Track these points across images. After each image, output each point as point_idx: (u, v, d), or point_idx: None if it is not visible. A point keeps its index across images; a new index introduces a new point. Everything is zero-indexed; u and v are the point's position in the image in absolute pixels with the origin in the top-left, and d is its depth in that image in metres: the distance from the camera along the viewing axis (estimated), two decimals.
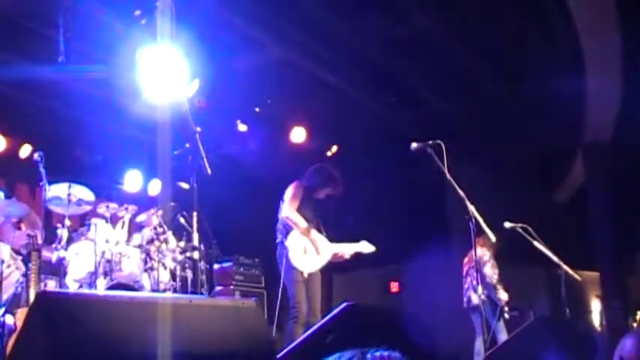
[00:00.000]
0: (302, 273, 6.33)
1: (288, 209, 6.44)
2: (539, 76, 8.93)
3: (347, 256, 6.73)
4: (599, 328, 12.01)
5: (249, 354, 3.17)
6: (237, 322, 3.25)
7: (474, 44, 8.57)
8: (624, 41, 8.05)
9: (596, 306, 12.91)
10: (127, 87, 7.58)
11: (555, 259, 6.74)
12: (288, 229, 6.40)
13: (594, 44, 8.12)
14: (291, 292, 6.28)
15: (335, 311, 3.66)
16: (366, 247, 6.85)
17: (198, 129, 4.96)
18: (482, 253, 8.40)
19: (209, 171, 4.84)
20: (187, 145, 5.00)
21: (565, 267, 6.77)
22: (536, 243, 6.65)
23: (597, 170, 11.29)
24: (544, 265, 7.28)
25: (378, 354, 1.59)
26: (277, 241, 6.48)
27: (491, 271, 8.40)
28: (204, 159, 4.85)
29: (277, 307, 6.53)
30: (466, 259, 8.68)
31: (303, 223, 6.39)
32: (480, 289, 6.89)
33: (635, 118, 9.67)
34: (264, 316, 4.71)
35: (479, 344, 8.10)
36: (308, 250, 6.39)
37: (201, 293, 6.52)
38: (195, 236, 4.90)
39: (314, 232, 6.49)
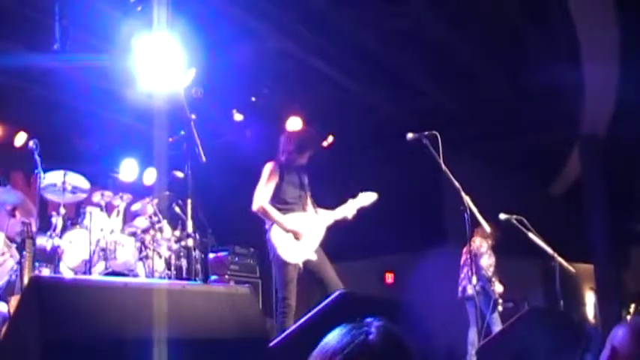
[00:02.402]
0: (296, 266, 5.83)
1: (257, 201, 5.89)
2: (537, 69, 8.92)
3: (350, 217, 6.17)
4: (592, 321, 12.06)
5: (243, 340, 3.18)
6: (230, 309, 3.25)
7: (471, 36, 8.55)
8: (621, 32, 8.03)
9: (590, 298, 12.95)
10: (123, 75, 7.56)
11: (550, 250, 6.73)
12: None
13: (591, 35, 8.10)
14: (282, 288, 5.80)
15: (328, 299, 3.67)
16: (366, 198, 6.25)
17: (193, 116, 4.93)
18: (480, 244, 8.42)
19: (204, 158, 4.81)
20: (182, 133, 4.97)
21: (559, 259, 6.76)
22: (530, 235, 6.64)
23: (593, 163, 11.30)
24: (539, 257, 7.28)
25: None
26: (266, 226, 6.00)
27: (487, 263, 8.42)
28: (199, 146, 4.82)
29: (274, 295, 6.23)
30: (465, 249, 8.66)
31: (275, 216, 5.85)
32: (474, 279, 6.88)
33: (631, 112, 9.68)
34: (257, 304, 4.70)
35: (472, 334, 8.12)
36: (293, 240, 5.87)
37: (196, 281, 6.50)
38: (190, 224, 4.86)
39: (293, 218, 5.95)
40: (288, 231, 5.86)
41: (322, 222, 6.12)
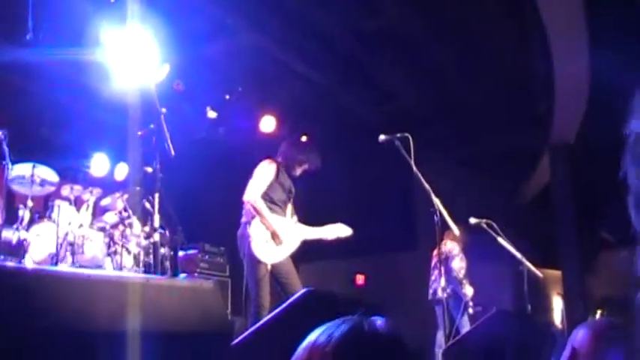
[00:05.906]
0: (266, 265, 5.83)
1: (252, 193, 5.88)
2: (511, 71, 8.99)
3: (328, 239, 6.28)
4: (559, 326, 12.17)
5: (206, 335, 3.15)
6: (194, 303, 3.23)
7: (444, 37, 8.59)
8: (591, 34, 8.04)
9: (557, 303, 13.06)
10: (95, 69, 7.49)
11: (518, 255, 6.78)
12: (253, 214, 5.88)
13: (562, 38, 8.11)
14: (254, 286, 5.78)
15: (294, 297, 3.65)
16: (342, 230, 6.33)
17: (164, 110, 4.89)
18: (452, 246, 8.45)
19: (173, 153, 4.77)
20: (152, 126, 4.93)
21: (527, 263, 6.82)
22: (500, 239, 6.69)
23: (562, 170, 11.40)
24: (508, 262, 7.33)
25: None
26: (242, 220, 5.97)
27: (458, 266, 8.44)
28: (169, 140, 4.79)
29: (244, 294, 6.22)
30: (435, 252, 8.65)
31: (265, 213, 5.85)
32: (442, 281, 6.89)
33: (600, 121, 9.76)
34: (221, 299, 4.66)
35: (440, 337, 8.14)
36: (270, 241, 5.87)
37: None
38: (157, 218, 4.83)
39: (278, 221, 5.94)
40: (270, 230, 5.86)
41: (299, 234, 6.14)
